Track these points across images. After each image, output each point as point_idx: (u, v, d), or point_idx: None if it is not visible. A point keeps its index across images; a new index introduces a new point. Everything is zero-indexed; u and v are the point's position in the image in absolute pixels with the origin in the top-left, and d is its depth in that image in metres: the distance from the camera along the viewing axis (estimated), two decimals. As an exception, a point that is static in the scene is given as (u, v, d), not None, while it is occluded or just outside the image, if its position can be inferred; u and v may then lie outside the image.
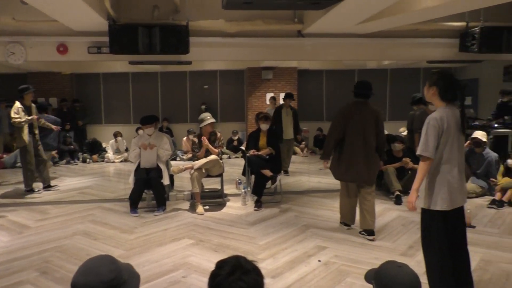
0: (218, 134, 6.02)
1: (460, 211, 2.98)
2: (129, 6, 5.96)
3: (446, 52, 6.69)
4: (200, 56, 6.37)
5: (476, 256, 3.94)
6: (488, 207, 5.61)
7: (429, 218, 2.91)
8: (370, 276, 1.88)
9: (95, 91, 12.39)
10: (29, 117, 6.55)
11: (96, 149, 10.73)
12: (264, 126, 6.14)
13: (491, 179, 6.15)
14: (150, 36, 5.76)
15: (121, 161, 10.30)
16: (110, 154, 10.47)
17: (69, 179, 8.17)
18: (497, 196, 5.69)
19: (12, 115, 6.39)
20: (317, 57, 6.85)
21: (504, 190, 5.68)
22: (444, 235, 2.91)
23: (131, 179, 5.76)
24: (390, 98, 12.72)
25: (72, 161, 10.12)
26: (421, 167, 2.85)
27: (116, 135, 10.59)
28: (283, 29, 6.26)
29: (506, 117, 8.32)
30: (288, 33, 6.37)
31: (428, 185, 2.89)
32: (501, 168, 6.29)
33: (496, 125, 8.30)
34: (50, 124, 7.23)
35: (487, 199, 5.92)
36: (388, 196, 6.27)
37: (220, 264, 1.44)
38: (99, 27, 5.66)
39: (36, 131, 6.83)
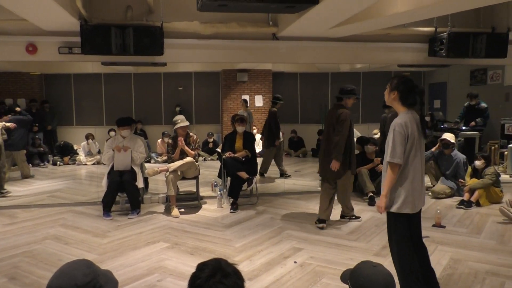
0: (194, 136, 5.99)
1: (420, 212, 3.10)
2: (101, 6, 5.86)
3: (416, 56, 6.89)
4: (175, 58, 6.33)
5: (446, 255, 4.06)
6: (457, 208, 5.79)
7: (395, 220, 2.98)
8: (346, 276, 1.91)
9: (66, 92, 12.09)
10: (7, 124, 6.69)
11: (67, 152, 10.46)
12: (240, 128, 6.16)
13: (460, 180, 6.35)
14: (124, 37, 5.68)
15: (93, 164, 10.09)
16: (82, 157, 10.24)
17: (39, 182, 7.94)
18: (466, 196, 5.87)
19: None
20: (291, 60, 6.92)
21: (472, 191, 5.87)
22: (409, 236, 3.00)
23: (104, 182, 5.65)
24: (363, 101, 12.91)
25: (41, 164, 9.84)
26: (390, 174, 2.89)
27: (88, 137, 10.36)
28: (258, 32, 6.29)
29: (477, 120, 8.61)
30: (263, 36, 6.41)
31: (394, 190, 2.94)
32: (469, 169, 6.51)
33: (464, 128, 8.60)
34: (8, 124, 7.04)
35: (456, 199, 6.11)
36: (361, 197, 6.38)
37: (201, 267, 1.44)
38: (70, 27, 5.54)
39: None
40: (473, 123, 8.62)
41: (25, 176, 8.27)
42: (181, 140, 5.72)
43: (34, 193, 6.96)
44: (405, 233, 2.99)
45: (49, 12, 4.88)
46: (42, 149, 10.05)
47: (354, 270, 1.82)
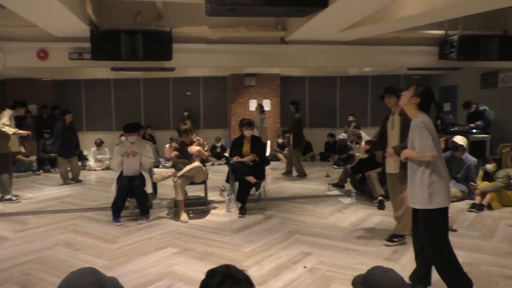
0: (201, 140, 5.98)
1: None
2: (111, 12, 5.92)
3: (426, 60, 6.84)
4: (183, 63, 6.36)
5: (458, 259, 3.98)
6: (469, 211, 5.71)
7: (437, 216, 3.04)
8: (357, 282, 1.87)
9: (76, 97, 12.20)
10: (20, 131, 6.84)
11: (78, 157, 10.51)
12: (248, 133, 6.14)
13: (471, 183, 6.27)
14: (133, 42, 5.72)
15: (103, 169, 10.14)
16: (91, 162, 10.30)
17: (49, 188, 7.99)
18: (477, 200, 5.80)
19: (5, 121, 6.50)
20: (300, 64, 6.91)
21: (483, 194, 5.80)
22: (447, 230, 3.11)
23: (113, 188, 5.67)
24: (372, 104, 12.88)
25: (52, 170, 9.90)
26: (421, 158, 3.01)
27: (98, 142, 10.43)
28: (267, 36, 6.30)
29: (478, 123, 8.57)
30: (271, 40, 6.41)
31: (429, 186, 3.02)
32: (480, 172, 6.43)
33: (474, 131, 8.51)
34: (21, 132, 7.12)
35: (468, 203, 6.02)
36: (371, 201, 6.32)
37: (210, 273, 1.43)
38: (81, 33, 5.59)
39: None
40: (472, 125, 8.57)
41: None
42: (192, 149, 5.75)
43: (45, 199, 7.00)
44: (445, 226, 3.12)
45: (60, 18, 4.94)
46: (53, 155, 10.11)
47: (365, 276, 1.78)
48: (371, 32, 5.84)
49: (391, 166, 4.55)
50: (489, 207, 5.76)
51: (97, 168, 10.17)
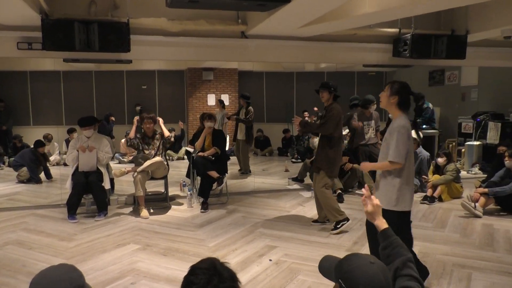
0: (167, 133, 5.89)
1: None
2: (62, 0, 5.62)
3: (381, 57, 7.07)
4: (141, 55, 6.17)
5: (414, 249, 4.16)
6: (421, 203, 6.00)
7: (398, 218, 3.05)
8: (330, 271, 1.58)
9: (21, 90, 11.52)
10: None
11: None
12: (209, 125, 6.01)
13: (423, 176, 6.58)
14: (88, 33, 5.46)
15: (53, 165, 9.66)
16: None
17: (-6, 185, 7.53)
18: (429, 192, 6.10)
19: None
20: (260, 59, 6.91)
21: (434, 187, 6.10)
22: (407, 230, 3.20)
23: (68, 184, 5.43)
24: (327, 100, 13.14)
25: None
26: (386, 166, 3.04)
27: (46, 137, 9.92)
28: (227, 30, 6.24)
29: (418, 120, 8.90)
30: (231, 34, 6.36)
31: (398, 189, 3.03)
32: (431, 166, 6.77)
33: (424, 126, 8.91)
34: None
35: (420, 195, 6.31)
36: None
37: (194, 270, 1.37)
38: (30, 21, 5.27)
39: None
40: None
41: None
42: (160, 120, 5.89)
43: (-10, 197, 6.58)
44: (406, 230, 3.17)
45: (7, 4, 4.62)
46: (-3, 150, 9.53)
47: (349, 270, 1.46)
48: (330, 28, 5.94)
49: None
50: (440, 199, 6.07)
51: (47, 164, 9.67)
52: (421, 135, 6.41)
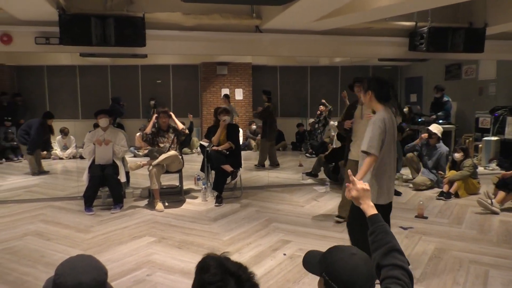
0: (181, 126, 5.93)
1: (390, 204, 3.30)
2: (79, -5, 5.68)
3: (396, 50, 6.98)
4: (156, 50, 6.20)
5: (430, 245, 4.16)
6: (437, 199, 5.93)
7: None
8: (314, 265, 1.54)
9: (39, 84, 11.70)
10: None
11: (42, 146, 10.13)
12: (227, 119, 6.04)
13: (439, 171, 6.50)
14: (104, 27, 5.52)
15: (70, 158, 9.82)
16: (57, 151, 9.95)
17: (13, 177, 7.68)
18: (445, 188, 6.02)
19: None
20: (274, 53, 6.90)
21: (451, 183, 6.02)
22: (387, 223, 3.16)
23: (85, 176, 5.51)
24: (341, 95, 13.06)
25: (15, 158, 9.50)
26: (366, 162, 3.06)
27: (63, 131, 10.08)
28: (241, 24, 6.23)
29: (439, 113, 8.82)
30: (246, 28, 6.35)
31: (372, 182, 3.07)
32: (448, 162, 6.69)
33: (440, 121, 8.80)
34: None
35: (436, 191, 6.25)
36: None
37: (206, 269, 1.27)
38: (48, 17, 5.34)
39: None
40: (434, 116, 8.84)
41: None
42: (172, 115, 5.90)
43: (9, 189, 6.72)
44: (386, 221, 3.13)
45: (25, 1, 4.69)
46: (15, 143, 9.69)
47: (332, 262, 1.46)
48: (346, 22, 5.89)
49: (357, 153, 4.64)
50: (456, 195, 6.00)
51: (64, 157, 9.84)
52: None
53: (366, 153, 3.04)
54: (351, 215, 3.26)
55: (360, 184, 1.92)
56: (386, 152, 3.09)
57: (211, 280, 1.23)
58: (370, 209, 1.89)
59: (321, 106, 10.91)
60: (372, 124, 3.07)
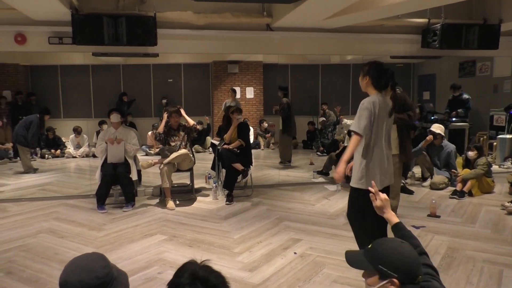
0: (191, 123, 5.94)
1: (386, 190, 3.19)
2: (91, -5, 5.73)
3: (409, 48, 6.91)
4: (167, 49, 6.24)
5: (443, 244, 4.11)
6: (450, 198, 5.85)
7: (362, 196, 3.04)
8: (363, 262, 1.60)
9: (52, 84, 11.84)
10: None
11: (55, 145, 10.27)
12: (240, 118, 6.05)
13: (453, 170, 6.42)
14: (116, 27, 5.57)
15: (83, 157, 9.93)
16: (71, 150, 10.07)
17: (28, 176, 7.79)
18: (458, 187, 5.94)
19: None
20: (285, 51, 6.87)
21: (464, 181, 5.94)
22: (374, 212, 3.07)
23: (97, 175, 5.57)
24: (353, 93, 12.98)
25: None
26: (352, 142, 3.08)
27: (76, 129, 10.20)
28: (252, 23, 6.23)
29: (459, 110, 8.72)
30: (257, 26, 6.34)
31: (362, 167, 3.09)
32: (460, 159, 6.59)
33: (453, 119, 8.69)
34: None
35: (449, 190, 6.17)
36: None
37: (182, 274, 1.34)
38: (61, 17, 5.41)
39: None
40: (454, 113, 8.74)
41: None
42: (182, 110, 5.89)
43: (24, 187, 6.82)
44: (370, 209, 3.04)
45: (39, 1, 4.75)
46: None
47: (386, 255, 1.54)
48: (356, 19, 5.85)
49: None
50: (470, 194, 5.92)
51: (77, 156, 9.96)
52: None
53: (353, 132, 3.09)
54: (350, 204, 3.24)
55: (383, 195, 2.11)
56: (375, 134, 3.10)
57: (180, 282, 1.32)
58: (393, 217, 2.10)
59: (323, 105, 10.92)
60: (360, 105, 3.11)
